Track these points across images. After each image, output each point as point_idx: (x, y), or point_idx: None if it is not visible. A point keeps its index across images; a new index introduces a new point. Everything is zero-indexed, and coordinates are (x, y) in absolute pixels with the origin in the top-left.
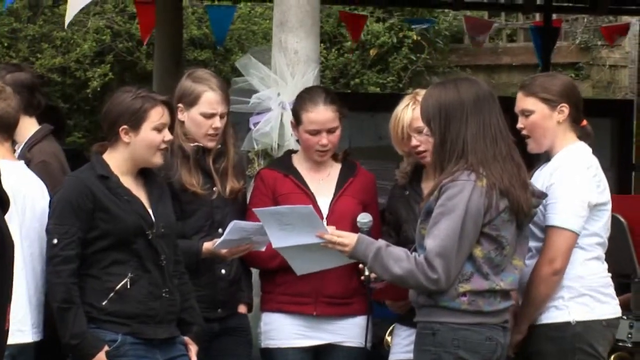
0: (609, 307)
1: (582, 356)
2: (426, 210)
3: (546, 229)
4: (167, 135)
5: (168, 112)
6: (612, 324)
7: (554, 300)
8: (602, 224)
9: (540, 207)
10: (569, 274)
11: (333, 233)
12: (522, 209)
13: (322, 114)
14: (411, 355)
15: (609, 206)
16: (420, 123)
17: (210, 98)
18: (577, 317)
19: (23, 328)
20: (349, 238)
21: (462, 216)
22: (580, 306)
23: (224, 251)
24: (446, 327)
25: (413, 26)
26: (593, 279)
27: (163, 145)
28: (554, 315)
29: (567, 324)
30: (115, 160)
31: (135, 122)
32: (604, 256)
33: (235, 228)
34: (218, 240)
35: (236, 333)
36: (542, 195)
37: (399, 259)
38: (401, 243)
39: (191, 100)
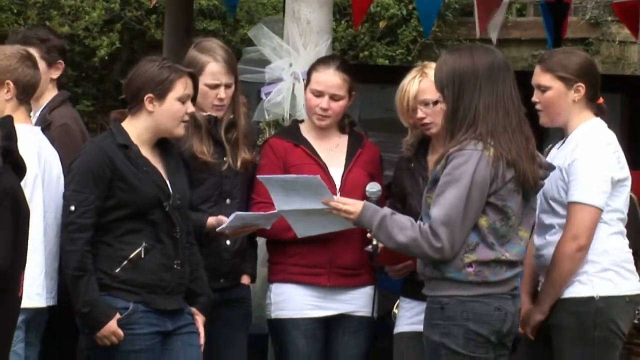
0: (631, 283)
1: (603, 332)
2: (433, 178)
3: (569, 205)
4: (190, 107)
5: (192, 84)
6: (634, 300)
7: (578, 275)
8: (623, 200)
9: (562, 183)
10: (595, 249)
11: (339, 200)
12: (529, 180)
13: (329, 76)
14: (415, 327)
15: (629, 182)
16: (426, 95)
17: (213, 69)
18: (600, 292)
19: (41, 292)
20: (355, 205)
21: (468, 185)
22: (604, 281)
23: (227, 231)
24: (454, 300)
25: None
26: (617, 254)
27: (186, 117)
28: (577, 289)
29: (590, 298)
30: (136, 128)
31: (161, 91)
32: (625, 231)
33: (236, 218)
34: (221, 226)
35: (236, 304)
36: (550, 167)
37: (403, 227)
38: (406, 215)
39: (196, 71)
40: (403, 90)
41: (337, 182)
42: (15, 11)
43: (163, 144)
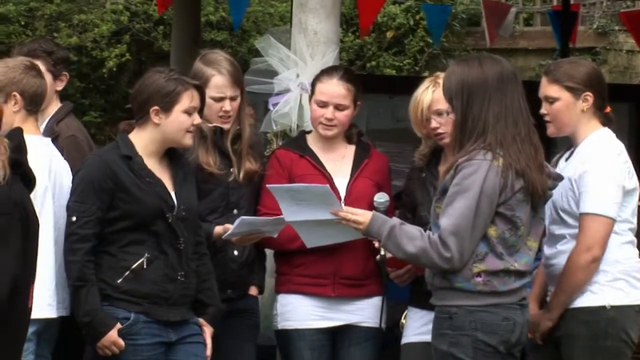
0: None
1: (613, 341)
2: (442, 188)
3: (582, 216)
4: (196, 118)
5: (198, 96)
6: None
7: (589, 285)
8: (631, 209)
9: (571, 194)
10: (606, 258)
11: (348, 210)
12: (537, 190)
13: (333, 86)
14: (424, 337)
15: (637, 192)
16: (439, 105)
17: (217, 82)
18: (612, 301)
19: (52, 303)
20: (364, 216)
21: (477, 195)
22: (615, 291)
23: (233, 239)
24: (462, 310)
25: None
26: (628, 264)
27: (192, 129)
28: (588, 299)
29: (602, 308)
30: (142, 140)
31: (168, 104)
32: (635, 241)
33: (242, 223)
34: (227, 232)
35: (243, 315)
36: (558, 178)
37: (412, 237)
38: (416, 225)
39: (202, 84)
40: (417, 101)
41: (342, 192)
42: (22, 23)
43: (172, 155)
